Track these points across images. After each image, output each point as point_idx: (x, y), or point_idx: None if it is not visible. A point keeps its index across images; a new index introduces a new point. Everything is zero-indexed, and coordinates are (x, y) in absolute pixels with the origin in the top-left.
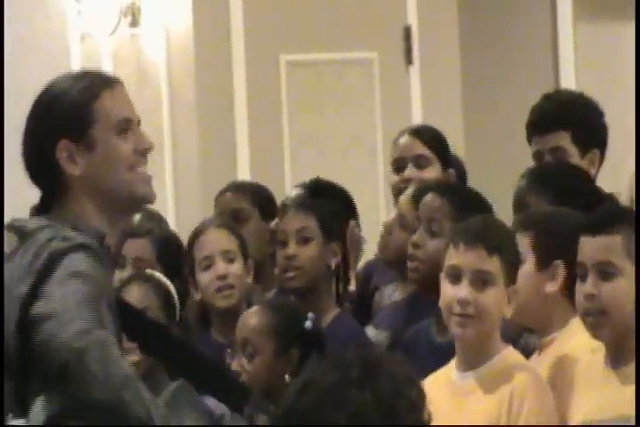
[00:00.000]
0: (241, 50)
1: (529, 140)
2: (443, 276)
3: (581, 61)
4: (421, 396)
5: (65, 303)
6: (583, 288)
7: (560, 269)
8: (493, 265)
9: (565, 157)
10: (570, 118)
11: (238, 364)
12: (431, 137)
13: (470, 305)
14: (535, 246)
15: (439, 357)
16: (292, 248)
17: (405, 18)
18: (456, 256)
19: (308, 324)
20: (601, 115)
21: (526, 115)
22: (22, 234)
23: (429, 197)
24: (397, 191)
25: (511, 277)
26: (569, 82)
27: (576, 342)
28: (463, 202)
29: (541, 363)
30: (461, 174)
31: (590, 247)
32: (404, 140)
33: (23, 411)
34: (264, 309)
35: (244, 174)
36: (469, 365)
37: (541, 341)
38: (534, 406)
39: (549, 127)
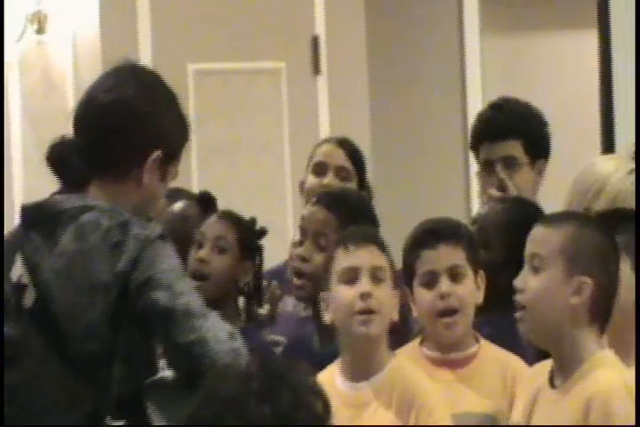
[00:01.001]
0: (148, 58)
1: (474, 147)
2: (335, 281)
3: (488, 72)
4: (326, 408)
5: (196, 299)
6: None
7: (482, 277)
8: (385, 262)
9: (517, 166)
10: (521, 128)
11: None
12: (354, 152)
13: (373, 299)
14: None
15: (320, 367)
16: (207, 253)
17: (313, 27)
18: (349, 257)
19: None
20: (546, 124)
21: (434, 125)
22: (57, 214)
23: (315, 210)
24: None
25: (394, 279)
26: (476, 92)
27: (504, 355)
28: (349, 214)
29: (472, 379)
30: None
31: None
32: (328, 147)
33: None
34: None
35: None
36: (360, 375)
37: (450, 356)
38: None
39: (501, 135)
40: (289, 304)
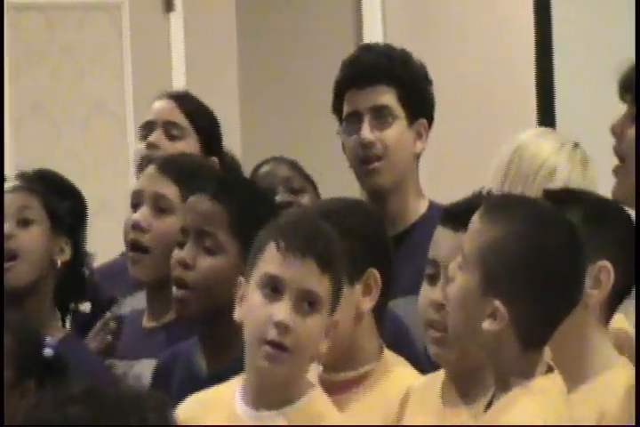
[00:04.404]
0: None
1: (338, 97)
2: (253, 285)
3: (389, 9)
4: None
5: None
6: (432, 294)
7: (374, 278)
8: (323, 286)
9: (390, 119)
10: (396, 74)
11: None
12: (196, 108)
13: (289, 333)
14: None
15: (200, 387)
16: (10, 228)
17: None
18: (277, 264)
19: (47, 351)
20: (429, 81)
21: (318, 74)
22: None
23: (197, 200)
24: (143, 161)
25: (335, 305)
26: (375, 33)
27: (405, 375)
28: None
29: (360, 405)
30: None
31: (448, 243)
32: (161, 102)
33: None
34: None
35: None
36: (269, 402)
37: (344, 375)
38: None
39: (371, 80)
40: (128, 308)
